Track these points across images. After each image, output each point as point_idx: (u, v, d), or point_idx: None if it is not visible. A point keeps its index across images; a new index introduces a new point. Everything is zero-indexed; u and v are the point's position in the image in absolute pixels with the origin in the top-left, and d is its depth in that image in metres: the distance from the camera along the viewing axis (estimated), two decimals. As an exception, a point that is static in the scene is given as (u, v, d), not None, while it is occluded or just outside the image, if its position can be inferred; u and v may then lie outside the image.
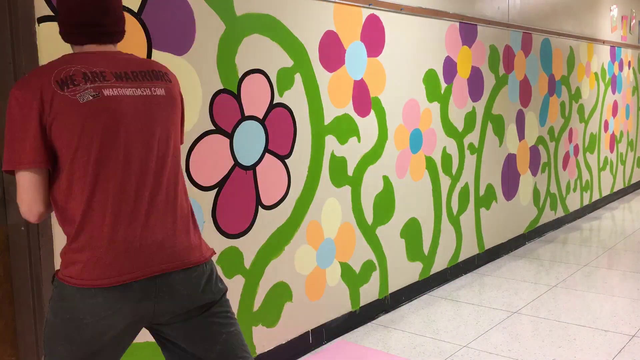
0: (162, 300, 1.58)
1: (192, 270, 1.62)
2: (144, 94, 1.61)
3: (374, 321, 3.55)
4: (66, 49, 2.05)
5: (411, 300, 3.87)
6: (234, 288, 2.72)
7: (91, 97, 1.51)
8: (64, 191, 1.52)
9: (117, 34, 1.66)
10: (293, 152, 2.98)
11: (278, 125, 2.89)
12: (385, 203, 3.61)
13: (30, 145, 1.48)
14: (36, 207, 1.55)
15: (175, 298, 1.59)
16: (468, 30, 4.26)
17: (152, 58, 2.32)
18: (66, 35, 1.63)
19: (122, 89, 1.56)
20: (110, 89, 1.54)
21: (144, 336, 2.36)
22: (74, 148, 1.50)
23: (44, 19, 2.01)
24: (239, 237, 2.74)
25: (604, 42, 6.50)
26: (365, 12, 3.36)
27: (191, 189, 2.51)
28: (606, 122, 6.76)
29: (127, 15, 2.23)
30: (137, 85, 1.60)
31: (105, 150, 1.51)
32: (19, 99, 1.48)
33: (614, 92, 6.90)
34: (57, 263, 2.07)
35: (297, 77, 2.97)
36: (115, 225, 1.52)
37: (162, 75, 1.69)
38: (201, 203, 2.55)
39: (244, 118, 2.72)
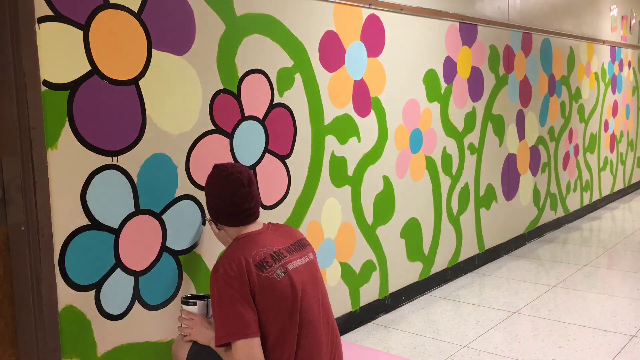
0: None
1: None
2: (305, 261, 2.08)
3: (374, 321, 3.55)
4: (66, 49, 2.05)
5: (411, 300, 3.87)
6: (234, 288, 2.72)
7: (280, 276, 1.95)
8: (271, 347, 1.93)
9: (258, 213, 2.14)
10: (293, 152, 2.98)
11: (278, 125, 2.89)
12: (386, 203, 3.61)
13: (253, 318, 1.88)
14: None
15: None
16: (468, 30, 4.26)
17: (152, 58, 2.32)
18: (219, 219, 2.13)
19: (289, 263, 2.01)
20: (288, 265, 2.00)
21: (144, 336, 2.36)
22: (277, 317, 1.92)
23: (44, 19, 2.01)
24: (239, 237, 2.74)
25: (604, 42, 6.50)
26: (365, 12, 3.36)
27: (191, 189, 2.51)
28: (606, 122, 6.76)
29: (127, 15, 2.24)
30: (300, 255, 2.07)
31: (293, 314, 1.94)
32: (228, 282, 1.88)
33: (614, 92, 6.90)
34: (57, 263, 2.08)
35: (297, 77, 2.97)
36: None
37: (306, 242, 2.18)
38: (201, 203, 2.55)
39: (244, 118, 2.72)
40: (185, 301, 2.19)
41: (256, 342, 1.88)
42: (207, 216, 2.38)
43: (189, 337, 2.13)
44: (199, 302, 2.16)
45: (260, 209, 2.80)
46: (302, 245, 2.13)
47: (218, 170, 2.13)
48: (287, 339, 1.94)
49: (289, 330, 1.94)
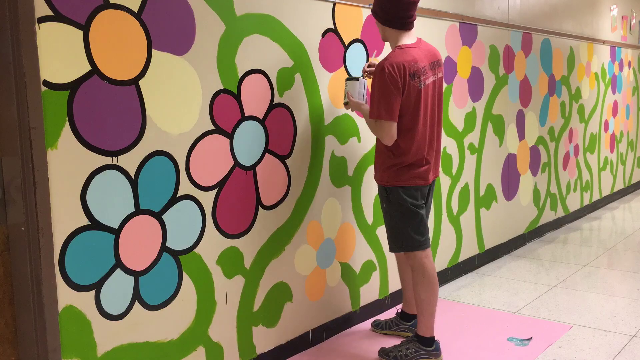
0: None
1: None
2: (435, 78, 2.83)
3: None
4: (66, 49, 2.05)
5: (411, 300, 3.87)
6: (234, 288, 2.73)
7: (422, 86, 2.73)
8: (400, 133, 2.76)
9: (414, 24, 2.81)
10: (293, 152, 2.98)
11: (278, 125, 2.89)
12: (386, 203, 3.61)
13: (397, 109, 2.69)
14: (392, 140, 2.74)
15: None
16: (468, 30, 4.26)
17: (152, 58, 2.32)
18: (387, 22, 2.76)
19: (428, 78, 2.77)
20: (427, 79, 2.76)
21: (144, 336, 2.36)
22: (409, 113, 2.72)
23: (44, 19, 2.01)
24: (239, 237, 2.74)
25: (604, 42, 6.50)
26: (365, 12, 3.36)
27: (191, 189, 2.52)
28: (606, 122, 6.76)
29: (127, 15, 2.24)
30: (433, 73, 2.81)
31: (418, 114, 2.74)
32: (390, 79, 2.64)
33: (614, 92, 6.90)
34: (57, 263, 2.08)
35: (297, 77, 2.97)
36: (423, 151, 2.81)
37: (441, 62, 2.89)
38: (201, 203, 2.56)
39: (244, 118, 2.72)
40: (350, 79, 2.96)
41: (395, 125, 2.71)
42: (366, 66, 3.06)
43: (354, 107, 2.95)
44: (360, 79, 2.94)
45: (261, 209, 2.82)
46: (438, 64, 2.85)
47: None
48: (410, 128, 2.76)
49: (414, 123, 2.75)
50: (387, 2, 2.71)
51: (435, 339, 2.92)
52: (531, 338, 3.21)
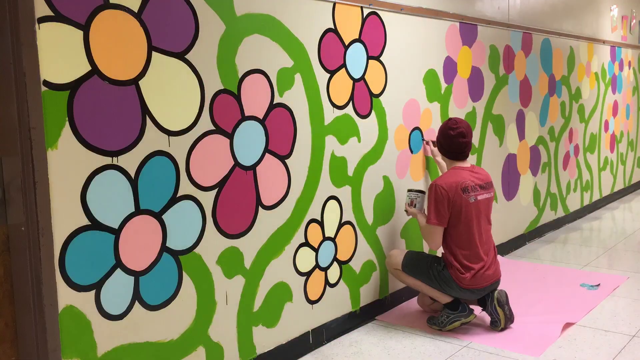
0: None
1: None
2: (486, 197, 3.38)
3: (374, 321, 3.55)
4: (66, 49, 2.05)
5: (411, 301, 3.87)
6: (234, 288, 2.73)
7: (472, 200, 3.28)
8: (453, 237, 3.32)
9: (468, 155, 3.45)
10: (293, 152, 2.98)
11: (278, 125, 2.89)
12: (386, 203, 3.61)
13: (447, 217, 3.27)
14: (438, 245, 3.36)
15: None
16: (468, 30, 4.26)
17: (152, 58, 2.32)
18: (446, 153, 3.44)
19: (479, 195, 3.32)
20: (478, 196, 3.32)
21: (144, 336, 2.36)
22: (458, 221, 3.28)
23: (44, 19, 2.01)
24: (239, 237, 2.74)
25: (604, 42, 6.50)
26: (365, 12, 3.36)
27: (191, 189, 2.52)
28: (606, 122, 6.76)
29: (127, 15, 2.24)
30: (484, 192, 3.36)
31: (470, 224, 3.29)
32: (441, 192, 3.25)
33: (614, 92, 6.90)
34: (57, 263, 2.08)
35: (297, 77, 2.97)
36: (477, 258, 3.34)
37: (491, 184, 3.44)
38: (201, 203, 2.56)
39: (244, 118, 2.72)
40: (412, 191, 3.54)
41: (442, 230, 3.30)
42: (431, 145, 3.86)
43: (412, 214, 3.50)
44: (420, 194, 3.52)
45: (261, 209, 2.82)
46: (489, 185, 3.41)
47: (451, 122, 3.40)
48: (462, 238, 3.29)
49: (466, 232, 3.28)
50: (448, 141, 3.38)
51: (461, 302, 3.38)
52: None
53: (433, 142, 3.82)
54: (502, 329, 3.34)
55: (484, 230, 3.36)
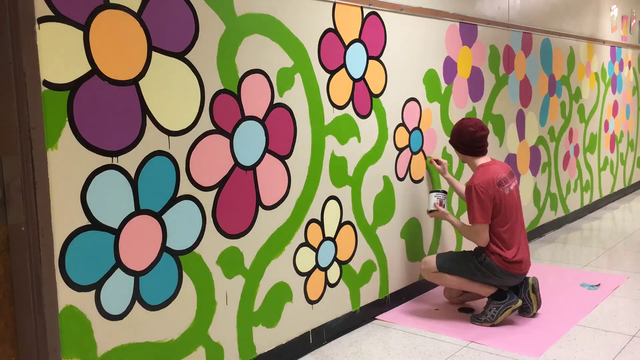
0: None
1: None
2: (515, 185, 3.52)
3: (374, 321, 3.55)
4: (66, 49, 2.05)
5: (411, 301, 3.87)
6: (234, 288, 2.73)
7: (507, 192, 3.42)
8: (493, 228, 3.42)
9: (487, 149, 3.56)
10: (293, 152, 2.98)
11: (278, 125, 2.89)
12: (386, 203, 3.61)
13: (490, 213, 3.37)
14: (487, 240, 3.41)
15: None
16: (468, 30, 4.26)
17: (152, 58, 2.32)
18: (467, 152, 3.51)
19: (511, 185, 3.47)
20: (510, 186, 3.46)
21: (144, 336, 2.36)
22: (498, 213, 3.39)
23: (44, 19, 2.01)
24: (239, 237, 2.74)
25: (604, 42, 6.50)
26: (365, 12, 3.36)
27: (191, 189, 2.52)
28: (606, 122, 6.76)
29: (127, 15, 2.24)
30: (512, 181, 3.50)
31: (509, 214, 3.42)
32: (482, 189, 3.35)
33: (614, 92, 6.90)
34: (57, 263, 2.08)
35: (297, 77, 2.97)
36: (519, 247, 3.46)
37: (513, 172, 3.58)
38: (201, 203, 2.55)
39: (244, 118, 2.72)
40: (437, 191, 3.65)
41: (488, 227, 3.39)
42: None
43: (441, 215, 3.61)
44: (445, 194, 3.66)
45: (261, 209, 2.82)
46: (512, 174, 3.54)
47: (466, 121, 3.52)
48: (504, 228, 3.40)
49: (506, 222, 3.41)
50: (466, 137, 3.47)
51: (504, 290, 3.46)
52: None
53: (437, 160, 3.86)
54: (534, 315, 3.50)
55: (519, 219, 3.49)
